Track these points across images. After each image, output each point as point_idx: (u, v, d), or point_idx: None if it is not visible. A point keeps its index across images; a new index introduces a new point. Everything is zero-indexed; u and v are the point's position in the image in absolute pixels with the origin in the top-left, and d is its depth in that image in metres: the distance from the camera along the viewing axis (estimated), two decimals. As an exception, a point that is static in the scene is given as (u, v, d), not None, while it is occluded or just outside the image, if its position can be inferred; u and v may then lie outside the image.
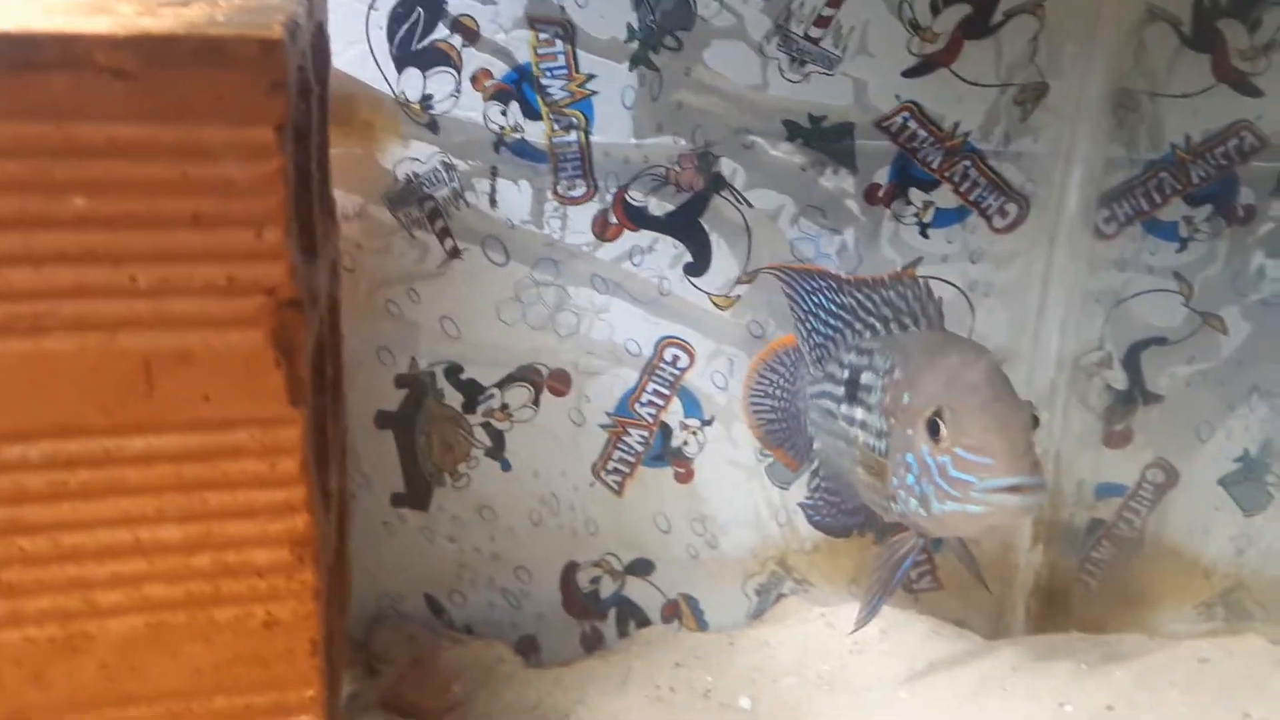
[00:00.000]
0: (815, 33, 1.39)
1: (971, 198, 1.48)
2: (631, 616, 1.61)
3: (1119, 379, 1.55)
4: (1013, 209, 1.48)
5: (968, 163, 1.46)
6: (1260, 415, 1.58)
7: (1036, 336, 1.52)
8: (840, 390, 1.35)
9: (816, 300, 1.40)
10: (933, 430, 1.14)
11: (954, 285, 1.50)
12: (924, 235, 1.49)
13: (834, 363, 1.39)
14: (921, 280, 1.31)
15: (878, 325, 1.35)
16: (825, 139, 1.45)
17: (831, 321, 1.39)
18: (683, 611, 1.62)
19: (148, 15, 0.82)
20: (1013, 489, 1.09)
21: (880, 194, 1.47)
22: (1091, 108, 1.43)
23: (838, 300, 1.38)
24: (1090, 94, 1.42)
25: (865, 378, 1.31)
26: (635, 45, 1.38)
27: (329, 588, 1.00)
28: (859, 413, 1.31)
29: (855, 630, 1.29)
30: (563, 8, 1.36)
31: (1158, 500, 1.61)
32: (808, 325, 1.42)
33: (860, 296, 1.36)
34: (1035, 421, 1.14)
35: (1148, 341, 1.55)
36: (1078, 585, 1.60)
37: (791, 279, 1.42)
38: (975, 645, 1.30)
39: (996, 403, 1.12)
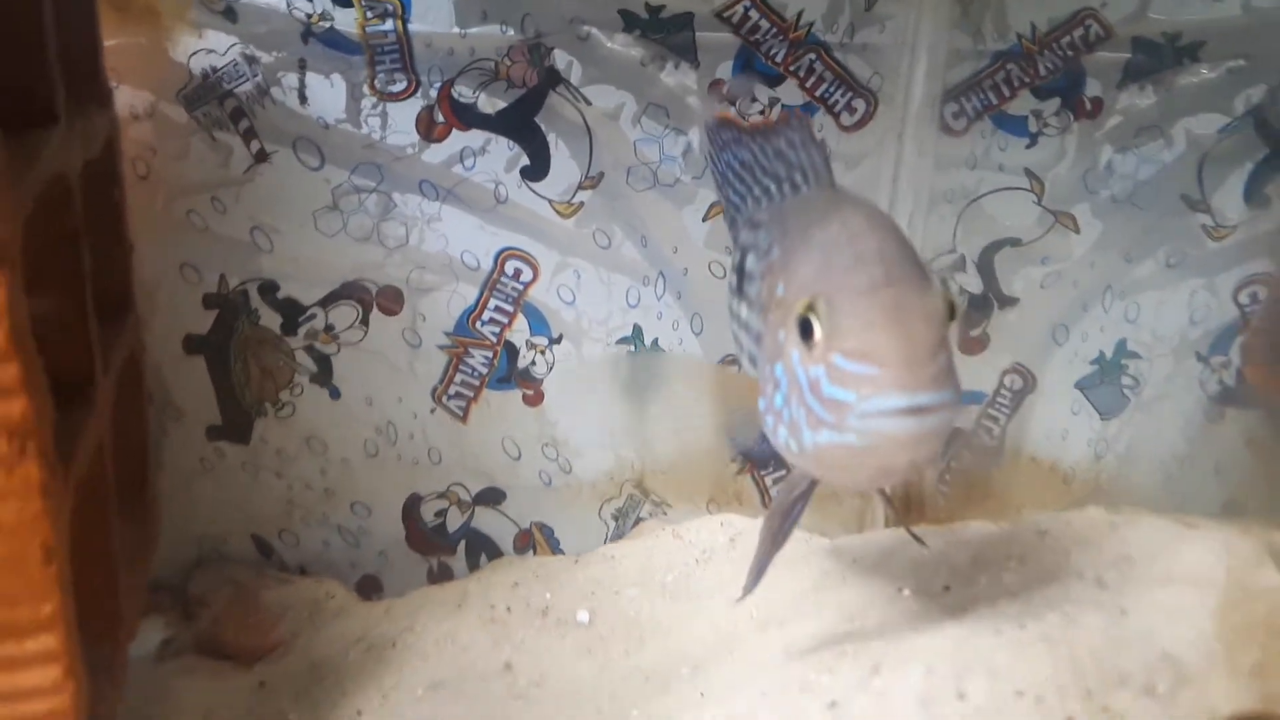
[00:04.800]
0: (647, -88, 1.31)
1: (818, 93, 1.41)
2: (482, 549, 1.52)
3: (973, 282, 1.52)
4: (860, 105, 1.42)
5: (813, 56, 1.39)
6: (1114, 316, 1.57)
7: (888, 237, 1.46)
8: (734, 280, 1.07)
9: (727, 158, 1.12)
10: (804, 330, 0.84)
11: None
12: (771, 134, 1.42)
13: (736, 244, 1.11)
14: (805, 120, 1.06)
15: (772, 187, 1.07)
16: (664, 30, 1.36)
17: (738, 186, 1.11)
18: (537, 541, 1.53)
19: None
20: (906, 411, 0.77)
21: (725, 90, 1.40)
22: (935, -5, 1.38)
23: (740, 156, 1.10)
24: (934, -21, 1.37)
25: (749, 262, 1.03)
26: (451, -77, 1.28)
27: (79, 492, 0.88)
28: (744, 310, 1.03)
29: (742, 597, 1.04)
30: (368, -120, 1.25)
31: (1016, 407, 1.59)
32: (725, 193, 1.14)
33: (756, 149, 1.08)
34: (950, 312, 0.84)
35: (1001, 243, 1.51)
36: (937, 496, 1.57)
37: (711, 132, 1.14)
38: (821, 545, 1.25)
39: (889, 288, 0.81)
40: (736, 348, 1.11)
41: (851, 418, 0.79)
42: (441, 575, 1.51)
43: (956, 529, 1.18)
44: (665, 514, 1.54)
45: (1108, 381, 1.59)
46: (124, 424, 1.15)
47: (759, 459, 1.18)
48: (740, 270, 1.04)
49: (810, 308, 0.83)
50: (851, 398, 0.79)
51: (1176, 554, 0.89)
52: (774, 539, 1.00)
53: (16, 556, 0.77)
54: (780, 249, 0.95)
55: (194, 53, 1.28)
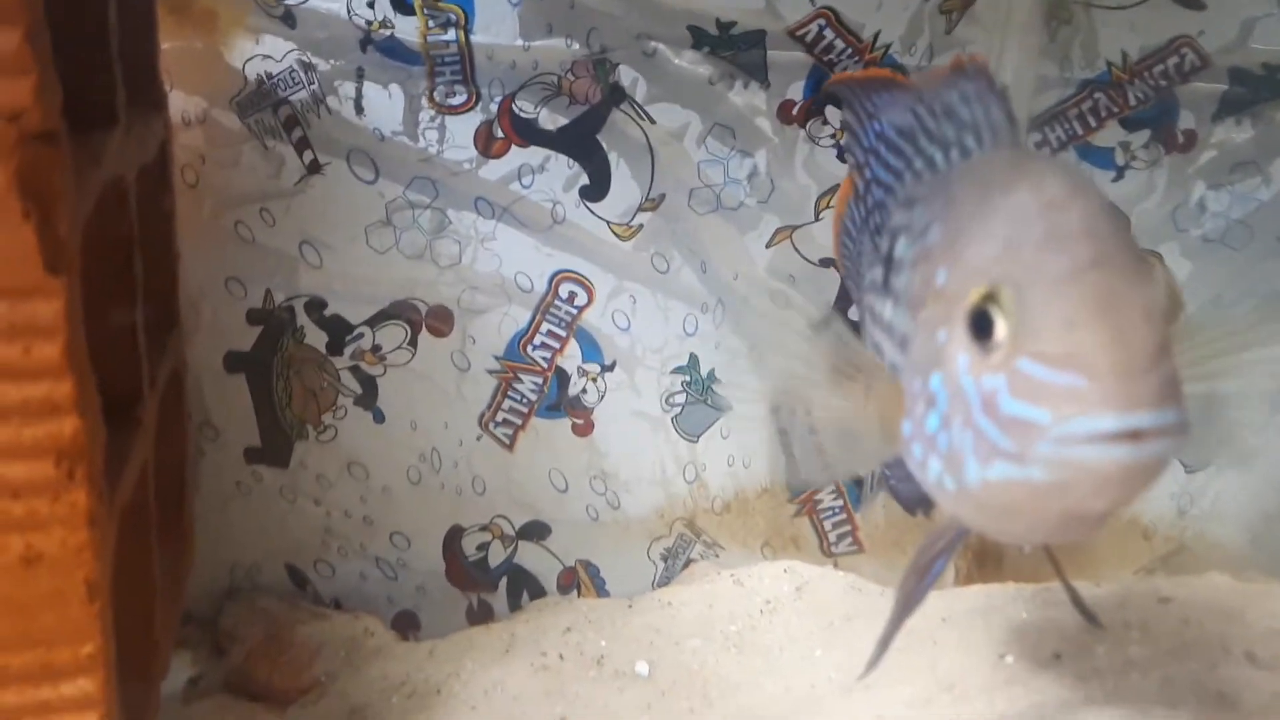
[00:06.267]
0: (722, -75, 1.25)
1: (894, 117, 1.35)
2: (525, 586, 1.44)
3: (1053, 320, 1.44)
4: (939, 130, 1.35)
5: (890, 78, 1.33)
6: (1200, 362, 1.48)
7: (965, 270, 1.39)
8: (879, 273, 0.86)
9: (878, 129, 0.92)
10: (979, 326, 0.64)
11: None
12: (842, 159, 1.35)
13: (885, 229, 0.90)
14: (983, 66, 0.82)
15: (938, 156, 0.84)
16: (734, 48, 1.30)
17: (892, 161, 0.90)
18: (582, 580, 1.45)
19: None
20: (1120, 436, 0.59)
21: (795, 112, 1.33)
22: (1021, 19, 1.31)
23: (899, 122, 0.89)
24: (1020, 3, 1.31)
25: (899, 248, 0.82)
26: (520, -68, 1.23)
27: (122, 519, 0.81)
28: (888, 310, 0.82)
29: (866, 673, 0.87)
30: (437, -114, 1.21)
31: (1094, 455, 1.49)
32: (866, 174, 0.94)
33: (923, 110, 0.86)
34: (1175, 306, 0.73)
35: (1083, 280, 1.43)
36: (1011, 548, 1.48)
37: (855, 96, 0.95)
38: (898, 598, 1.16)
39: (1098, 272, 0.62)
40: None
41: (1042, 444, 0.60)
42: (481, 613, 1.43)
43: (1055, 589, 1.09)
44: (717, 556, 1.46)
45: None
46: (164, 444, 1.09)
47: (904, 501, 0.92)
48: (888, 260, 0.83)
49: (990, 297, 0.63)
50: (1044, 417, 0.60)
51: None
52: (907, 604, 0.82)
53: (58, 592, 0.70)
54: (943, 226, 0.73)
55: (250, 58, 1.24)
